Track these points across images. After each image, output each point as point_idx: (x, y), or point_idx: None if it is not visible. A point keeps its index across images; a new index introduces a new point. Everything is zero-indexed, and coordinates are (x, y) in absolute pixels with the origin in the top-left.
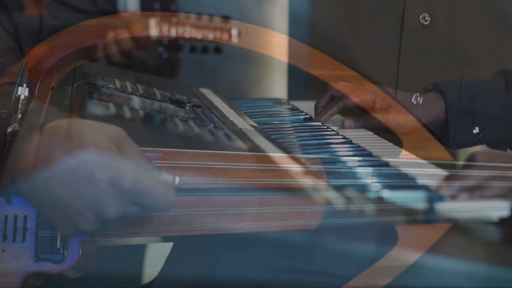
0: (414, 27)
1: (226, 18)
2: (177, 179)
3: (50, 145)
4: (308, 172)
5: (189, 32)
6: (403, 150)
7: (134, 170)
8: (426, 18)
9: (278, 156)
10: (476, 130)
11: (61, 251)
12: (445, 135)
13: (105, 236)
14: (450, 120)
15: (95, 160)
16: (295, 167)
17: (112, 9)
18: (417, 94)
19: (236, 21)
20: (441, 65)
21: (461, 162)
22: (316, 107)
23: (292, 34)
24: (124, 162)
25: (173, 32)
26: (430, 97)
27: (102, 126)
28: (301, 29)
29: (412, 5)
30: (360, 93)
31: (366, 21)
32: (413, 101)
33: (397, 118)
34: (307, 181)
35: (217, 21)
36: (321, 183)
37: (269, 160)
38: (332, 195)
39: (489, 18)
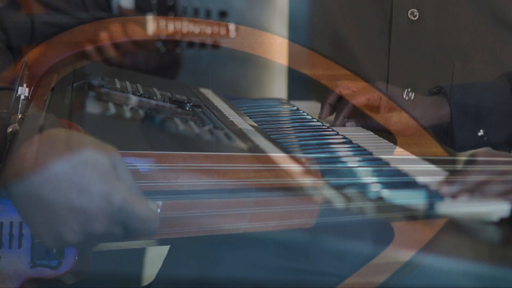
0: (403, 23)
1: (223, 13)
2: (159, 203)
3: (49, 152)
4: (307, 172)
5: (187, 27)
6: (402, 149)
7: (127, 191)
8: (415, 13)
9: (276, 156)
10: (480, 133)
11: (57, 257)
12: (450, 137)
13: (85, 250)
14: (455, 123)
15: (93, 173)
16: (293, 167)
17: (102, 14)
18: (409, 89)
19: (234, 24)
20: (431, 60)
21: (461, 159)
22: (323, 104)
23: (286, 34)
24: (118, 180)
25: (171, 28)
26: (435, 100)
27: (100, 143)
28: (295, 30)
29: (400, 0)
30: (368, 90)
31: (354, 18)
32: (404, 96)
33: (400, 121)
34: (306, 181)
35: (215, 16)
36: (321, 182)
37: (264, 160)
38: (332, 194)
39: (478, 12)
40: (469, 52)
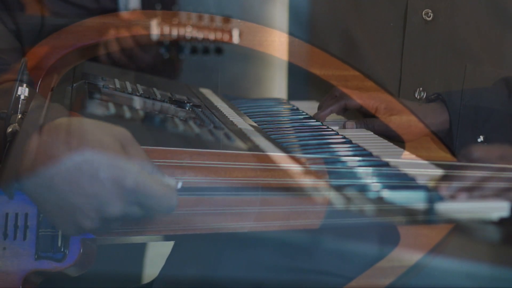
0: (417, 23)
1: (227, 18)
2: (179, 183)
3: (56, 142)
4: (308, 172)
5: (190, 32)
6: (403, 150)
7: (138, 171)
8: (429, 14)
9: (280, 155)
10: (480, 139)
11: (62, 249)
12: (449, 144)
13: (106, 235)
14: (454, 129)
15: (100, 159)
16: (296, 167)
17: (113, 6)
18: (420, 88)
19: (237, 20)
20: (444, 60)
21: (461, 162)
22: (319, 106)
23: (293, 32)
24: (128, 162)
25: (174, 32)
26: (434, 107)
27: (107, 126)
28: (302, 27)
29: (415, 1)
30: (364, 97)
31: (368, 17)
32: (416, 95)
33: (400, 126)
34: (308, 181)
35: (218, 21)
36: (322, 183)
37: (271, 159)
38: (332, 195)
39: (492, 14)
40: (480, 54)
